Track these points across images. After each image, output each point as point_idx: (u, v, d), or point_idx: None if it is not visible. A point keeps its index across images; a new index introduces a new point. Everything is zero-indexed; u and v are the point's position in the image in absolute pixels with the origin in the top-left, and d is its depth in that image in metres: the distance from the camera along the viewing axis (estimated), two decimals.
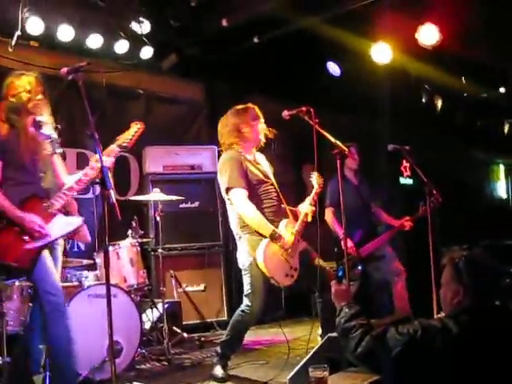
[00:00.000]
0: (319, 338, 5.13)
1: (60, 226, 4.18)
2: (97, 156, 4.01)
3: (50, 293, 4.08)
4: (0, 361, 4.78)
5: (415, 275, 6.47)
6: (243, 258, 4.86)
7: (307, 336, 5.45)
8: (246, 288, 4.86)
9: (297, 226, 4.88)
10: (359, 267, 6.09)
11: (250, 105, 5.12)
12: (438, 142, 10.60)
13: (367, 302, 6.18)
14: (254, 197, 4.84)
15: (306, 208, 4.95)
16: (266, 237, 4.72)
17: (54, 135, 4.47)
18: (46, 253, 4.13)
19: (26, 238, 4.03)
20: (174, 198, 6.28)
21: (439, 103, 9.44)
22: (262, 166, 5.10)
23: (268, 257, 4.66)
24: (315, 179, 5.13)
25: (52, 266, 4.16)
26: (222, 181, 4.90)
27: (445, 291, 2.72)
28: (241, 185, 4.79)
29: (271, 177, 5.08)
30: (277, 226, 4.80)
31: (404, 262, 6.54)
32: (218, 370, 4.91)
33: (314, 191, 5.10)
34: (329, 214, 6.46)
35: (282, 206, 5.01)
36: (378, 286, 6.53)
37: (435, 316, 4.85)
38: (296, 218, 4.98)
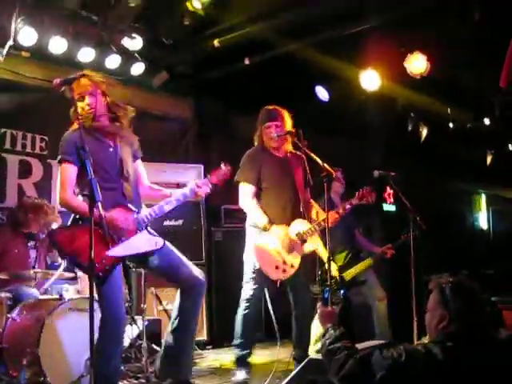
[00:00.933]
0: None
1: (145, 243, 4.07)
2: (198, 182, 4.26)
3: (113, 307, 4.00)
4: None
5: (396, 301, 6.49)
6: (246, 247, 5.16)
7: (287, 358, 5.46)
8: (245, 276, 5.14)
9: (306, 228, 4.99)
10: (341, 291, 6.08)
11: (270, 107, 5.28)
12: (422, 169, 10.69)
13: (348, 326, 6.17)
14: (263, 191, 5.10)
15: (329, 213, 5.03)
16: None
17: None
18: (119, 268, 4.02)
19: (110, 244, 3.82)
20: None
21: (424, 131, 9.52)
22: (289, 166, 5.20)
23: (258, 247, 4.93)
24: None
25: (120, 285, 4.07)
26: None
27: (430, 316, 2.74)
28: (248, 180, 5.05)
29: (295, 177, 5.18)
30: (280, 220, 4.99)
31: (386, 288, 6.54)
32: (241, 375, 5.08)
33: (349, 201, 5.38)
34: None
35: (296, 205, 5.12)
36: (359, 311, 6.52)
37: (416, 342, 4.87)
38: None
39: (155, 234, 4.22)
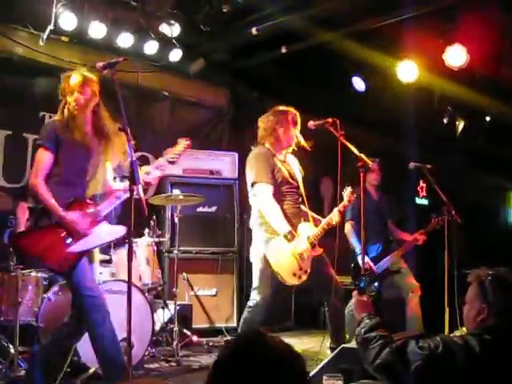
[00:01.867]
0: (329, 351, 5.11)
1: (104, 234, 4.14)
2: (147, 168, 4.20)
3: (88, 294, 4.03)
4: (12, 350, 4.86)
5: (427, 293, 6.45)
6: (255, 252, 4.94)
7: (315, 348, 5.45)
8: (254, 282, 4.94)
9: (315, 231, 4.92)
10: (375, 284, 6.07)
11: (290, 109, 5.14)
12: (455, 163, 10.56)
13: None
14: (276, 194, 4.88)
15: (333, 214, 5.00)
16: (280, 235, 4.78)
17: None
18: (85, 259, 4.10)
19: (69, 241, 3.99)
20: (195, 198, 6.36)
21: (461, 125, 9.40)
22: (292, 167, 5.14)
23: (278, 254, 4.76)
24: (347, 194, 5.19)
25: (90, 271, 4.15)
26: (249, 175, 4.96)
27: (469, 309, 2.72)
28: (267, 180, 4.85)
29: (299, 179, 5.12)
30: (294, 228, 4.84)
31: (418, 280, 6.50)
32: None
33: (342, 204, 5.14)
34: (348, 228, 6.44)
35: (304, 209, 5.07)
36: (391, 302, 6.49)
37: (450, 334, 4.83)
38: (316, 224, 5.02)
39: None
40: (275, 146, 5.06)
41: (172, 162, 4.31)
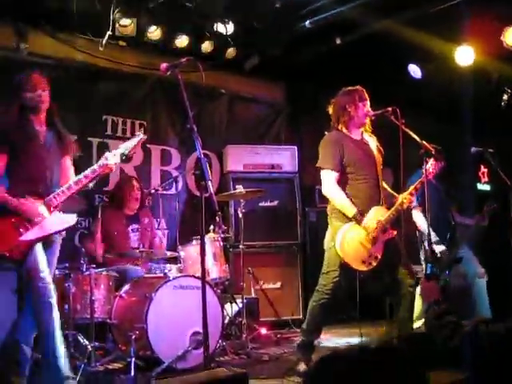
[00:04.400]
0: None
1: (55, 223, 4.24)
2: (106, 154, 4.35)
3: (39, 281, 4.12)
4: (89, 346, 5.04)
5: (496, 277, 6.37)
6: (327, 239, 5.01)
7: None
8: (323, 267, 5.00)
9: (386, 214, 4.88)
10: (446, 272, 6.01)
11: (358, 86, 5.16)
12: None
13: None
14: (348, 178, 4.93)
15: (403, 195, 4.97)
16: (350, 220, 4.80)
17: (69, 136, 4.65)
18: (39, 246, 4.21)
19: (22, 230, 4.11)
20: (257, 192, 6.47)
21: None
22: (369, 147, 5.12)
23: (345, 242, 4.76)
24: (429, 165, 5.12)
25: (43, 258, 4.21)
26: (319, 160, 5.03)
27: None
28: (331, 166, 4.88)
29: (377, 160, 5.09)
30: (368, 209, 4.85)
31: (484, 265, 6.43)
32: (302, 366, 4.97)
33: (419, 180, 5.06)
34: (417, 214, 6.36)
35: (379, 191, 5.03)
36: (458, 289, 6.44)
37: None
38: (394, 201, 5.01)
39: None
40: (349, 126, 5.06)
41: (125, 156, 4.43)
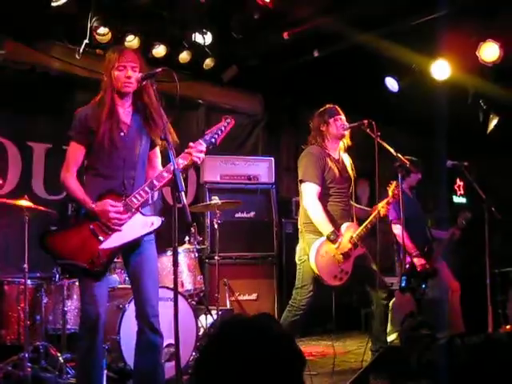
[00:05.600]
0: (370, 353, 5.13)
1: (139, 227, 3.74)
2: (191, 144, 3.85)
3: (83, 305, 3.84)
4: (60, 358, 4.97)
5: (469, 291, 6.40)
6: (299, 253, 5.08)
7: (358, 349, 5.46)
8: (296, 282, 5.07)
9: (358, 231, 4.98)
10: (423, 285, 6.02)
11: (329, 105, 5.28)
12: (490, 161, 10.43)
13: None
14: (325, 194, 5.01)
15: (381, 204, 5.12)
16: (323, 235, 4.87)
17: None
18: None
19: (101, 237, 3.64)
20: (233, 203, 6.43)
21: (494, 121, 9.28)
22: (345, 166, 5.23)
23: (320, 256, 4.84)
24: (391, 189, 5.22)
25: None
26: (299, 172, 5.10)
27: None
28: (314, 180, 4.96)
29: (351, 178, 5.22)
30: (340, 225, 4.94)
31: (458, 278, 6.46)
32: None
33: (386, 199, 5.20)
34: (398, 229, 6.37)
35: (350, 208, 5.16)
36: (433, 302, 6.46)
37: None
38: (359, 223, 5.10)
39: (150, 213, 3.89)
40: (326, 145, 5.15)
41: (213, 143, 3.95)
